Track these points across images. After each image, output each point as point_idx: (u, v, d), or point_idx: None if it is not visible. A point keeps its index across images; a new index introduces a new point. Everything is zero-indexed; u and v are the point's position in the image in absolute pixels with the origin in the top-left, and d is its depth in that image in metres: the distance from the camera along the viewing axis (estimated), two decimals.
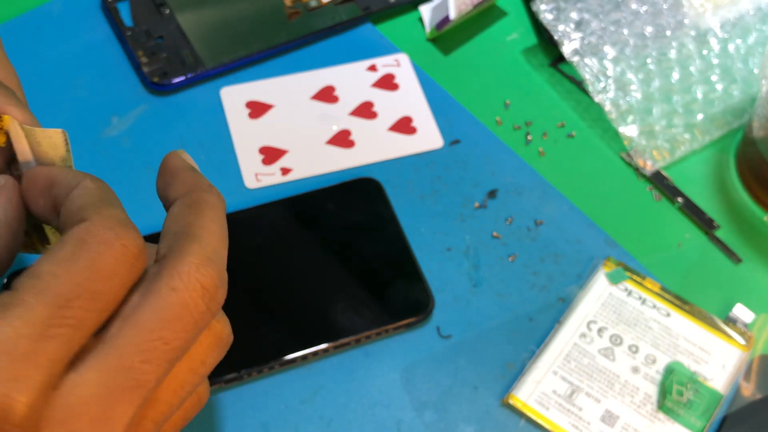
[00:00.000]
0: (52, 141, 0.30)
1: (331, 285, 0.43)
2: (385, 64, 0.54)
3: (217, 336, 0.27)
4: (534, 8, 0.54)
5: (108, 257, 0.24)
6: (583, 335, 0.42)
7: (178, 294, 0.24)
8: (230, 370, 0.40)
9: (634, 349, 0.42)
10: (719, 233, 0.48)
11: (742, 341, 0.43)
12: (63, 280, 0.23)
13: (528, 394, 0.40)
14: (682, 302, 0.44)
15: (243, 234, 0.44)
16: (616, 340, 0.42)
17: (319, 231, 0.45)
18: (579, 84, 0.54)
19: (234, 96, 0.51)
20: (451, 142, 0.50)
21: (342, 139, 0.50)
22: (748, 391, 0.42)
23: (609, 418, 0.40)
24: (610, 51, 0.53)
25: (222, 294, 0.26)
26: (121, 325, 0.24)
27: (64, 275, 0.23)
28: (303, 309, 0.42)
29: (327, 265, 0.44)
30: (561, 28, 0.53)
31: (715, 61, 0.54)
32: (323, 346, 0.41)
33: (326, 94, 0.52)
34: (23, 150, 0.29)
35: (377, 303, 0.42)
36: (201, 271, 0.25)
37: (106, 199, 0.26)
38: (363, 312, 0.42)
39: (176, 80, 0.50)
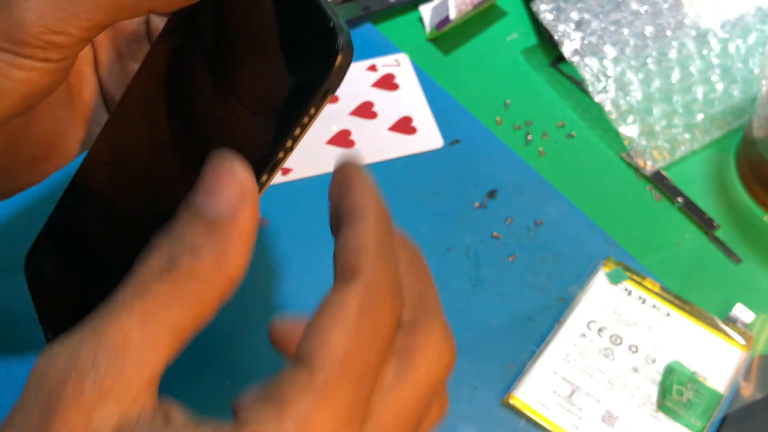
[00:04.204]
0: None
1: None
2: (385, 64, 0.54)
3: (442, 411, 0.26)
4: (534, 8, 0.54)
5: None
6: (583, 335, 0.42)
7: (431, 379, 0.23)
8: None
9: (634, 349, 0.42)
10: (719, 233, 0.48)
11: (742, 341, 0.43)
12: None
13: (528, 394, 0.40)
14: (682, 302, 0.44)
15: None
16: (616, 340, 0.42)
17: None
18: (579, 84, 0.54)
19: None
20: (451, 142, 0.50)
21: (342, 139, 0.50)
22: (748, 391, 0.42)
23: (609, 418, 0.40)
24: (610, 51, 0.53)
25: None
26: (381, 404, 0.23)
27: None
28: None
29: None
30: (561, 28, 0.53)
31: (715, 61, 0.54)
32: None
33: None
34: None
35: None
36: (447, 355, 0.24)
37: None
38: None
39: None
